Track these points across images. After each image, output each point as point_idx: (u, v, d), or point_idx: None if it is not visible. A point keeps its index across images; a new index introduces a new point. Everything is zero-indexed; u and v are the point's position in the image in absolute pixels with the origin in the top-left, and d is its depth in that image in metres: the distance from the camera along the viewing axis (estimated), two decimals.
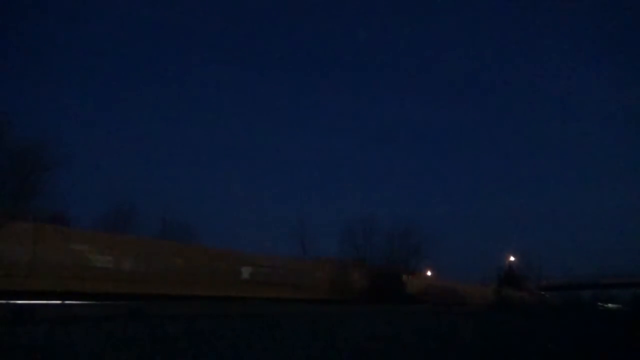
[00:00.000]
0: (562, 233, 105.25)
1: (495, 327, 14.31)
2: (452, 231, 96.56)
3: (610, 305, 52.65)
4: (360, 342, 8.01)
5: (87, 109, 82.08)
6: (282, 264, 26.96)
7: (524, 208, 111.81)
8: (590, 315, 26.34)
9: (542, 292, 60.66)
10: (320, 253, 34.78)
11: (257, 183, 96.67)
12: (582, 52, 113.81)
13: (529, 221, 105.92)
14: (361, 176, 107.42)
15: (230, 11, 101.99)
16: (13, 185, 28.73)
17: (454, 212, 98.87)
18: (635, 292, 59.38)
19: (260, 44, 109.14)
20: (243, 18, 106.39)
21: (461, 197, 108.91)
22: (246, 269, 24.13)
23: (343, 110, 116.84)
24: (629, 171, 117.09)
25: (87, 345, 5.49)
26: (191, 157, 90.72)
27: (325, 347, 7.02)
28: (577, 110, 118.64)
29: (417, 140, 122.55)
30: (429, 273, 53.75)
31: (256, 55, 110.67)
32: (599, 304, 51.03)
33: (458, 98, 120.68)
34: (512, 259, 63.96)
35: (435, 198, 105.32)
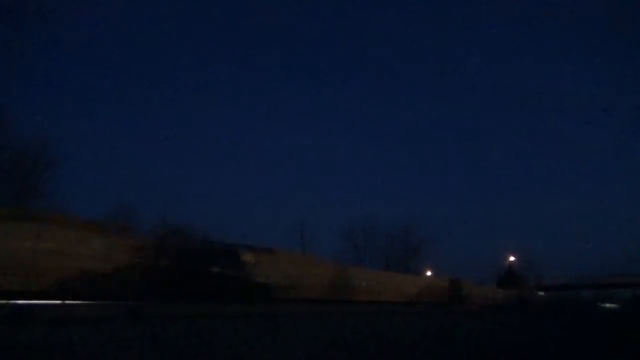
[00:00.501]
0: (562, 233, 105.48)
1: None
2: (452, 231, 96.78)
3: (607, 305, 52.80)
4: (360, 342, 8.01)
5: (87, 108, 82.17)
6: None
7: (524, 208, 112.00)
8: (581, 314, 26.15)
9: (539, 292, 60.72)
10: (321, 253, 34.61)
11: (257, 183, 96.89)
12: (582, 52, 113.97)
13: (529, 221, 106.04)
14: (361, 176, 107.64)
15: (230, 10, 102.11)
16: (13, 185, 28.78)
17: (453, 212, 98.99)
18: (635, 292, 59.57)
19: (260, 44, 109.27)
20: (243, 18, 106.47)
21: (461, 197, 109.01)
22: None
23: (343, 110, 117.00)
24: (629, 171, 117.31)
25: (86, 346, 5.49)
26: (191, 157, 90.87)
27: (325, 347, 7.02)
28: (578, 110, 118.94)
29: (418, 140, 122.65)
30: (429, 273, 53.72)
31: (256, 55, 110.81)
32: (599, 303, 51.24)
33: (459, 99, 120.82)
34: (512, 259, 64.09)
35: (435, 198, 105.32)
